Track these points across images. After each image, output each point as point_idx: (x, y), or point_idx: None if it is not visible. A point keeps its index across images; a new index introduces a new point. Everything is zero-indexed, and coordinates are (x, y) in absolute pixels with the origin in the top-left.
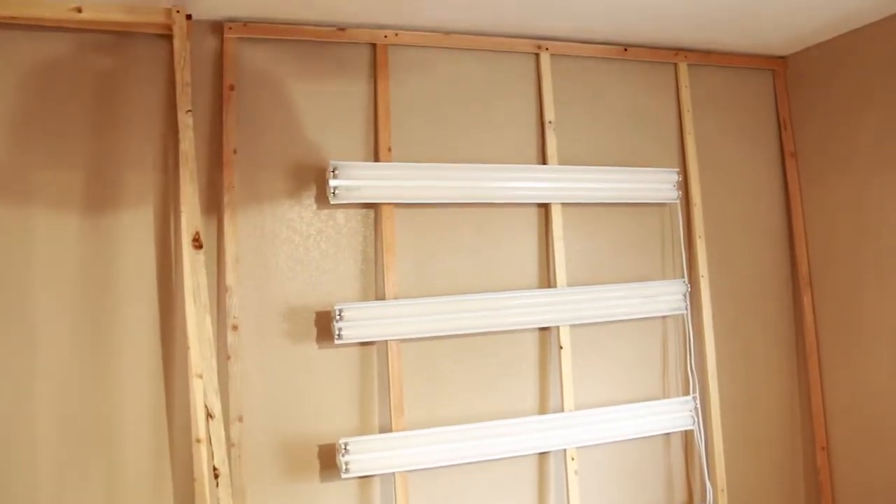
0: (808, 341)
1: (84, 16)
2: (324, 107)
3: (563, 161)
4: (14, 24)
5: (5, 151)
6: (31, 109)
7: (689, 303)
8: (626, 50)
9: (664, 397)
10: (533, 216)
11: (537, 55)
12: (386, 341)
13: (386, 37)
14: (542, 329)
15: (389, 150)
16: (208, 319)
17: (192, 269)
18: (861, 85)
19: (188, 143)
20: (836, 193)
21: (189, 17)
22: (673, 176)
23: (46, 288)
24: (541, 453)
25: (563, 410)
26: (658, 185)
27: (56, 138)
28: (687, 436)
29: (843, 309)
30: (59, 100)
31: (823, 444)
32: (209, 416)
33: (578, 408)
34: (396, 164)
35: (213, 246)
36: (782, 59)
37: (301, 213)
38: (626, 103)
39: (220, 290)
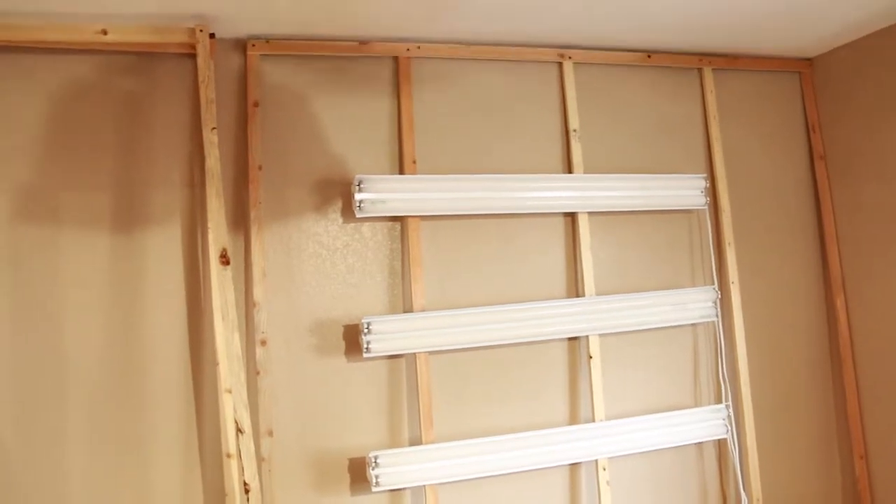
0: (842, 346)
1: (109, 38)
2: (348, 121)
3: (589, 169)
4: (42, 48)
5: (34, 173)
6: (59, 131)
7: (719, 310)
8: (649, 56)
9: (696, 406)
10: (559, 225)
11: (560, 64)
12: (414, 354)
13: (408, 49)
14: (571, 339)
15: (414, 162)
16: (237, 335)
17: (220, 286)
18: (890, 84)
19: (214, 160)
20: (867, 194)
21: (212, 35)
22: (700, 182)
23: (76, 306)
24: (572, 464)
25: (593, 420)
26: (685, 191)
27: (84, 158)
28: (720, 445)
29: (878, 312)
30: (86, 120)
31: (862, 452)
32: (239, 430)
33: (609, 418)
34: (421, 176)
35: (241, 261)
36: (809, 60)
37: (327, 228)
38: (651, 110)
39: (248, 304)
